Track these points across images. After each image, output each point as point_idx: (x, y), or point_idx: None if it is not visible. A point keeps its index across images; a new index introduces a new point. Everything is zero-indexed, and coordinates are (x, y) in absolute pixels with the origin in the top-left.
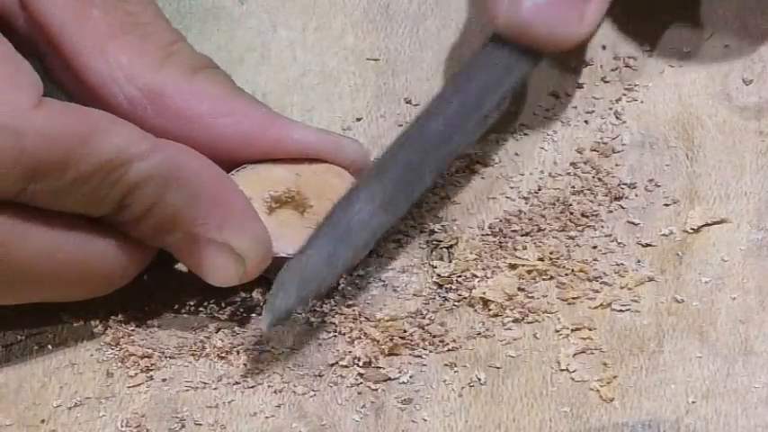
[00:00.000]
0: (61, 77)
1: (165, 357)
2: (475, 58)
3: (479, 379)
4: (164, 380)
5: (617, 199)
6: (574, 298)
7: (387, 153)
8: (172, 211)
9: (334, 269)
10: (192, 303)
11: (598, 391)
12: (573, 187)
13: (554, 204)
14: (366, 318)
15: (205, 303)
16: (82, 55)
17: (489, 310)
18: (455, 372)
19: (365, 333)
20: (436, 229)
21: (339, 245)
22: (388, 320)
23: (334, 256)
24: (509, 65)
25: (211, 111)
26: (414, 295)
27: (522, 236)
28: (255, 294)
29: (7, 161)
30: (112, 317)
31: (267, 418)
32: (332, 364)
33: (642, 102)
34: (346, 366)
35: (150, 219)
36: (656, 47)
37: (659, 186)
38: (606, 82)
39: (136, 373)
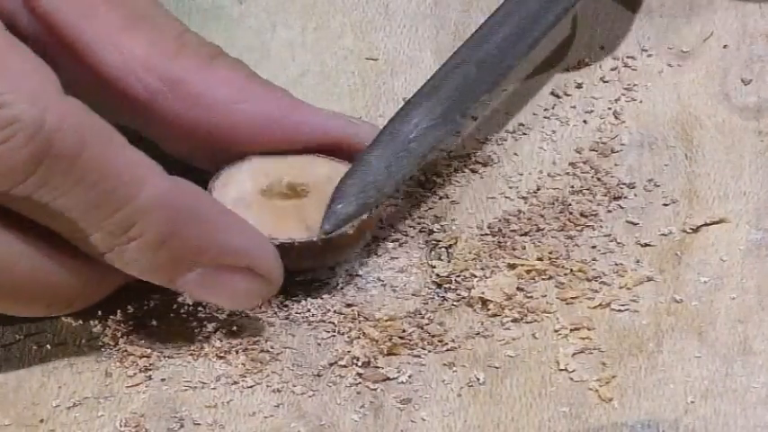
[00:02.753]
0: (72, 76)
1: (164, 357)
2: None
3: (478, 379)
4: (162, 379)
5: (616, 199)
6: (573, 298)
7: (441, 70)
8: (191, 245)
9: (393, 178)
10: (190, 303)
11: (597, 390)
12: (572, 187)
13: (553, 204)
14: (365, 317)
15: (204, 303)
16: (94, 49)
17: (488, 309)
18: (454, 371)
19: (364, 333)
20: (435, 229)
21: (398, 154)
22: (386, 320)
23: (393, 166)
24: None
25: (232, 96)
26: (412, 295)
27: (521, 236)
28: None
29: (26, 132)
30: (111, 316)
31: (266, 417)
32: (331, 364)
33: (641, 102)
34: (345, 366)
35: (165, 253)
36: (654, 47)
37: (658, 186)
38: (605, 82)
39: (135, 373)
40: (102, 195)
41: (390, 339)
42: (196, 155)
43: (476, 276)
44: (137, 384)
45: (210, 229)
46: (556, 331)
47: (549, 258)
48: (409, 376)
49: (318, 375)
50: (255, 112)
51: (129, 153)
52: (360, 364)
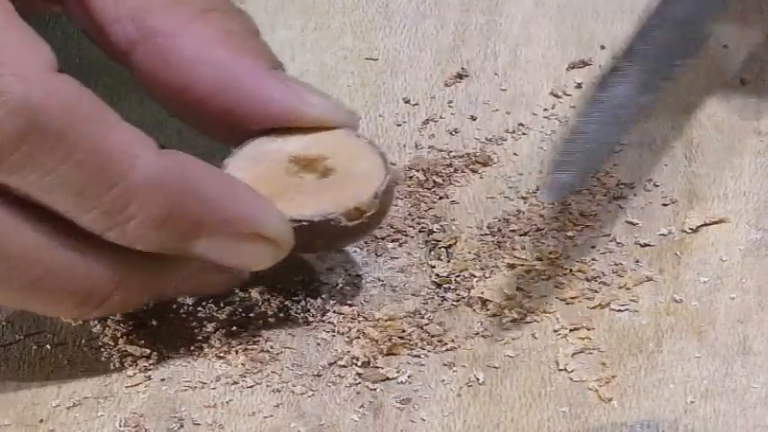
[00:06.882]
0: (77, 20)
1: (164, 357)
2: None
3: (478, 379)
4: (162, 380)
5: (615, 199)
6: (572, 298)
7: (638, 35)
8: (193, 219)
9: (608, 146)
10: (190, 303)
11: (597, 390)
12: None
13: (552, 204)
14: (365, 317)
15: (203, 303)
16: None
17: (488, 309)
18: (454, 371)
19: (364, 333)
20: (435, 229)
21: (608, 123)
22: (386, 320)
23: (605, 135)
24: None
25: (194, 56)
26: (412, 295)
27: (521, 236)
28: (254, 294)
29: (10, 105)
30: (111, 317)
31: (266, 417)
32: (330, 364)
33: None
34: (345, 366)
35: (168, 230)
36: None
37: (658, 186)
38: None
39: (134, 373)
40: (92, 174)
41: (390, 339)
42: (177, 114)
43: (475, 276)
44: (136, 384)
45: (210, 202)
46: (555, 331)
47: (549, 258)
48: (409, 376)
49: (318, 375)
50: (209, 75)
51: (122, 130)
52: (359, 363)
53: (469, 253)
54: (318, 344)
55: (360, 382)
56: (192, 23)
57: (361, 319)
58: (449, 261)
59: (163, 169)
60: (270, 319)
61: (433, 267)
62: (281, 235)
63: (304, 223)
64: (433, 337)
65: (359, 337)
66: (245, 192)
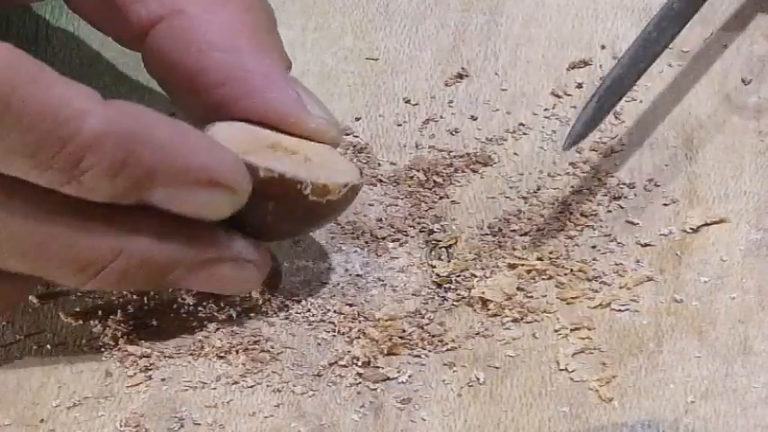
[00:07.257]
0: (78, 2)
1: (164, 357)
2: None
3: (478, 379)
4: (163, 379)
5: (616, 199)
6: (573, 298)
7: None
8: (147, 168)
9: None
10: (190, 303)
11: (597, 390)
12: (572, 187)
13: (553, 204)
14: (365, 317)
15: (204, 303)
16: None
17: (488, 309)
18: (454, 371)
19: (364, 333)
20: (435, 229)
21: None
22: (387, 320)
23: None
24: None
25: (214, 41)
26: (413, 295)
27: (522, 235)
28: (254, 294)
29: None
30: (111, 316)
31: (266, 417)
32: (331, 364)
33: (641, 101)
34: (345, 366)
35: (123, 179)
36: None
37: (658, 186)
38: None
39: (135, 373)
40: (43, 136)
41: (390, 339)
42: (178, 100)
43: (476, 276)
44: (137, 384)
45: (162, 149)
46: (556, 331)
47: (550, 258)
48: (409, 376)
49: (318, 375)
50: (224, 64)
51: (63, 87)
52: (360, 363)
53: (470, 253)
54: (319, 344)
55: (360, 382)
56: (219, 9)
57: (361, 318)
58: (449, 261)
59: (111, 120)
60: (270, 319)
61: (434, 267)
62: (237, 181)
63: (274, 175)
64: (433, 336)
65: (359, 337)
66: (198, 138)
